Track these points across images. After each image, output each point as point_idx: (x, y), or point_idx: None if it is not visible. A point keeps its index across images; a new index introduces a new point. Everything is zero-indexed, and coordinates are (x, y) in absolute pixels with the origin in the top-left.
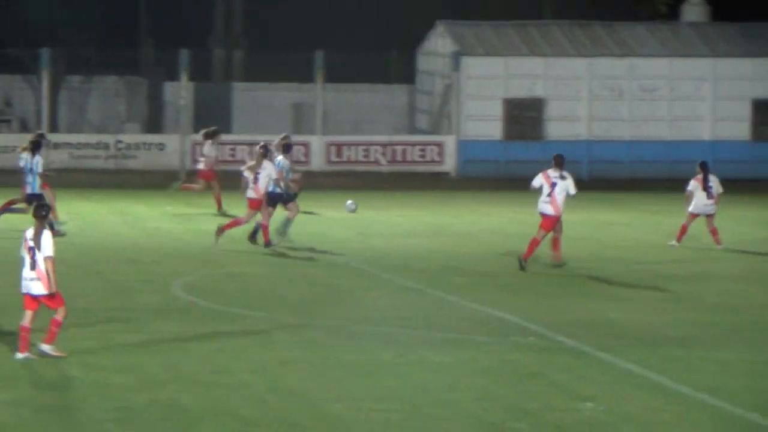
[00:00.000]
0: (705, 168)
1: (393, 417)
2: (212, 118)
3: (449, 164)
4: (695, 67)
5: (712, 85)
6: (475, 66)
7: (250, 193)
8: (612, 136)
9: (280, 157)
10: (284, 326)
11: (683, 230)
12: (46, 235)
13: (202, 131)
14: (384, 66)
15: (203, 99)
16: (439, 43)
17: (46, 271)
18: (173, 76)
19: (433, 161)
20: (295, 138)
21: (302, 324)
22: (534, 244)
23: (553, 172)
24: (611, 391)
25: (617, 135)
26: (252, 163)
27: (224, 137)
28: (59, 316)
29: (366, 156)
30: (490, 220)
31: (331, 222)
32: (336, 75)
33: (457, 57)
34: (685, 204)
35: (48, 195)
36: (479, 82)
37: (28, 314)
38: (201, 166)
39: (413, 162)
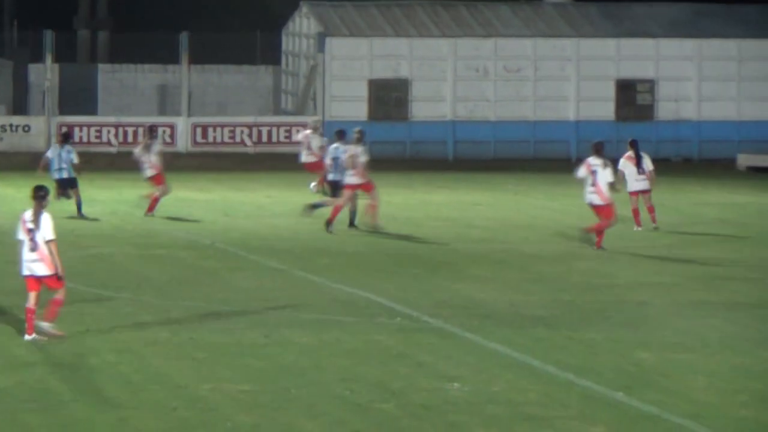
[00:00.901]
0: (635, 146)
1: (260, 398)
2: (77, 99)
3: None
4: (559, 47)
5: (575, 65)
6: (339, 47)
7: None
8: (477, 116)
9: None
10: (150, 307)
11: (635, 213)
12: (46, 217)
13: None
14: (249, 47)
15: (68, 81)
16: (303, 23)
17: (50, 253)
18: (38, 58)
19: (299, 142)
20: (161, 120)
21: (168, 305)
22: (599, 231)
23: (594, 160)
24: (477, 371)
25: (482, 115)
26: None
27: (89, 119)
28: (60, 295)
29: (232, 137)
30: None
31: (196, 204)
32: (201, 56)
33: (321, 38)
34: (618, 185)
35: None
36: (344, 62)
37: (32, 296)
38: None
39: (279, 143)
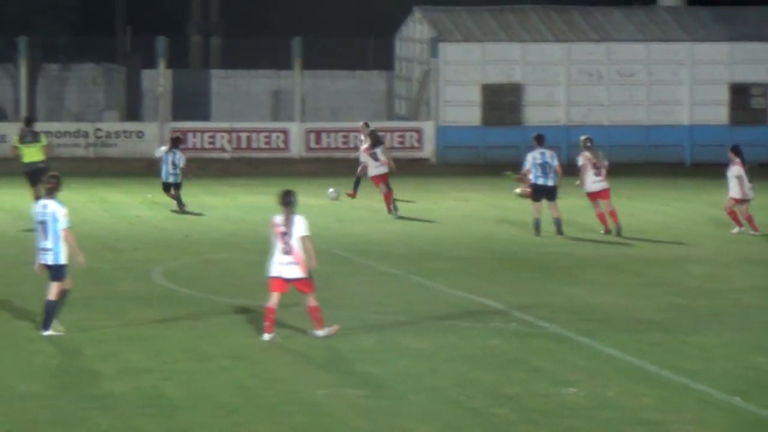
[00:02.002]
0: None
1: (375, 403)
2: (190, 105)
3: (428, 150)
4: (672, 51)
5: (689, 70)
6: (452, 52)
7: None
8: (590, 120)
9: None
10: (264, 313)
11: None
12: (299, 219)
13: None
14: (362, 52)
15: (181, 86)
16: (416, 28)
17: (304, 250)
18: (151, 64)
19: (412, 147)
20: (274, 125)
21: (281, 310)
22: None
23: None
24: (592, 376)
25: (595, 120)
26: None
27: (202, 125)
28: (312, 302)
29: (345, 143)
30: (470, 206)
31: (310, 209)
32: (314, 61)
33: (434, 43)
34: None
35: None
36: (457, 67)
37: (275, 296)
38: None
39: (392, 148)
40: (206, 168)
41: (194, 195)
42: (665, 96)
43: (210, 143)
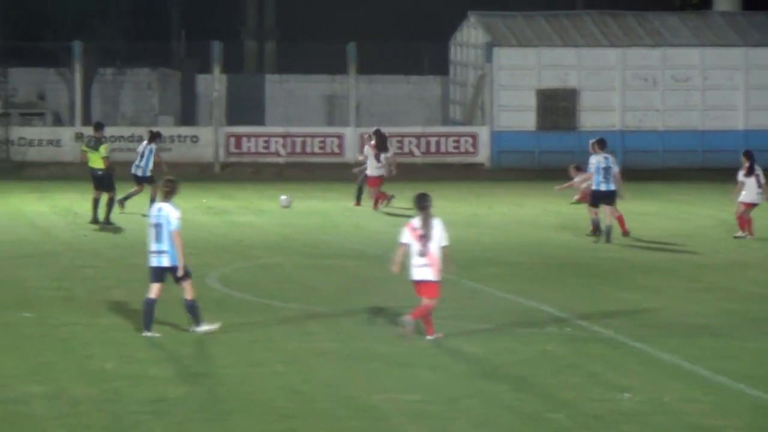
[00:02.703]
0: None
1: (429, 408)
2: (245, 110)
3: (483, 155)
4: (727, 56)
5: (744, 74)
6: (507, 57)
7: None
8: (644, 126)
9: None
10: (318, 317)
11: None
12: (437, 223)
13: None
14: (417, 57)
15: (236, 91)
16: (471, 34)
17: (442, 257)
18: (206, 68)
19: (467, 152)
20: (329, 130)
21: (336, 315)
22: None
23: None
24: (647, 382)
25: (650, 125)
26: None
27: (257, 129)
28: (431, 302)
29: (400, 147)
30: (524, 211)
31: (363, 213)
32: (369, 66)
33: (489, 48)
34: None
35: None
36: (512, 72)
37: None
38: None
39: (447, 153)
40: (260, 173)
41: (249, 199)
42: (720, 101)
43: (265, 148)
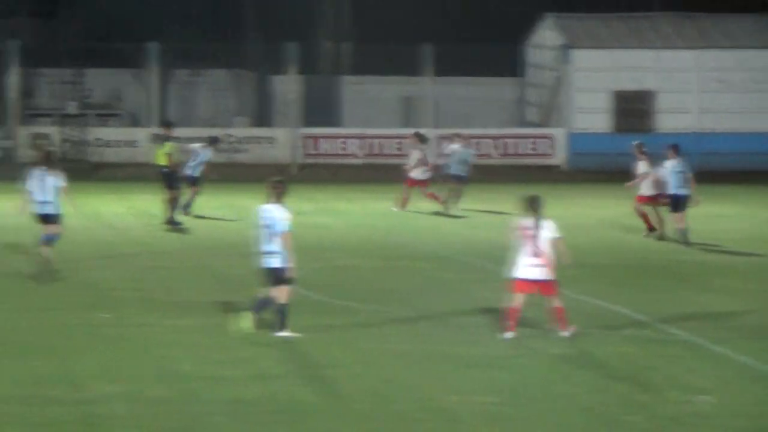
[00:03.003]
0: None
1: (506, 411)
2: (321, 111)
3: (559, 157)
4: None
5: None
6: (583, 58)
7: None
8: (721, 128)
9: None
10: (396, 319)
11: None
12: (548, 223)
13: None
14: (493, 59)
15: (312, 92)
16: (547, 35)
17: (555, 251)
18: (281, 70)
19: (543, 154)
20: (406, 131)
21: (414, 317)
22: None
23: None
24: (725, 384)
25: (726, 127)
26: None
27: (334, 131)
28: (557, 302)
29: (477, 149)
30: (600, 213)
31: (440, 216)
32: (445, 68)
33: (565, 50)
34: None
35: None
36: (588, 74)
37: (519, 297)
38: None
39: (524, 155)
40: (337, 174)
41: (325, 201)
42: None
43: (341, 149)
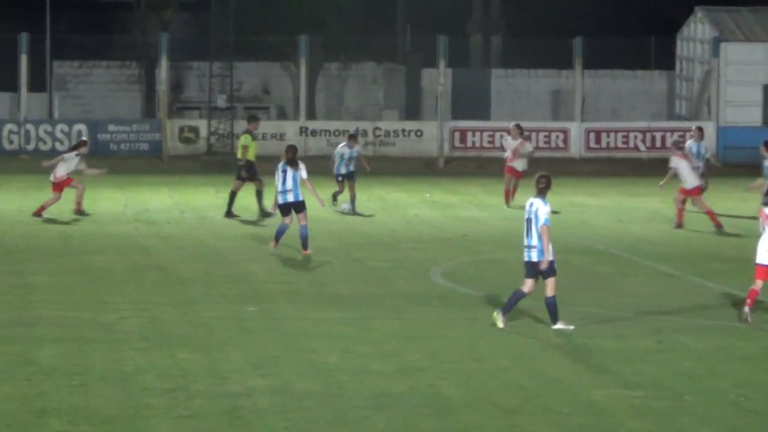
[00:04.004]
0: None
1: (653, 404)
2: (470, 104)
3: (709, 150)
4: None
5: None
6: (734, 52)
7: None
8: None
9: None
10: (543, 313)
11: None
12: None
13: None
14: (643, 52)
15: (461, 85)
16: (698, 28)
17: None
18: (431, 63)
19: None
20: (555, 125)
21: (564, 310)
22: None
23: None
24: None
25: None
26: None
27: (483, 124)
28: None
29: (625, 142)
30: (751, 206)
31: (590, 209)
32: (595, 61)
33: (716, 43)
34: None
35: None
36: (739, 68)
37: (760, 283)
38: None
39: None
40: (484, 167)
41: (473, 193)
42: None
43: (489, 142)
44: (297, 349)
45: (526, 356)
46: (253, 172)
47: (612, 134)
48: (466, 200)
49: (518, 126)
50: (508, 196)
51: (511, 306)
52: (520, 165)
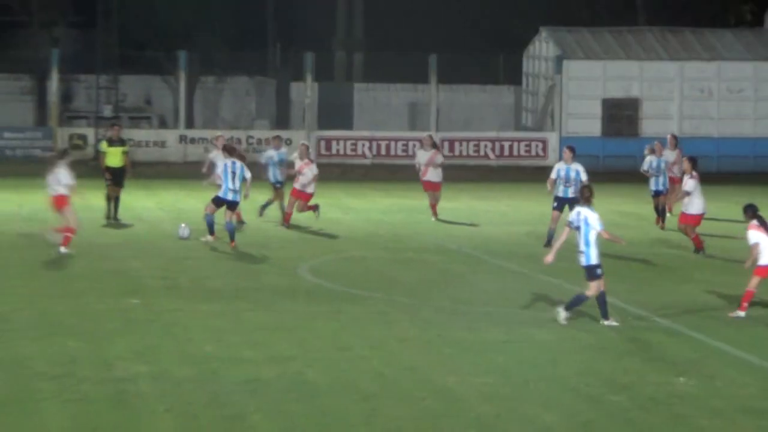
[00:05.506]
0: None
1: (501, 390)
2: (335, 115)
3: (552, 159)
4: None
5: None
6: (576, 69)
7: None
8: (701, 133)
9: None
10: (401, 306)
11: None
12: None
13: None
14: (492, 68)
15: (326, 98)
16: (542, 47)
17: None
18: (299, 77)
19: (537, 156)
20: (411, 134)
21: (417, 304)
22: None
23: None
24: (702, 367)
25: (705, 132)
26: None
27: (346, 133)
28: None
29: (476, 151)
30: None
31: (444, 212)
32: (449, 76)
33: (559, 60)
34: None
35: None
36: (580, 83)
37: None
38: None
39: (519, 156)
40: (347, 173)
41: (336, 197)
42: None
43: (352, 150)
44: (175, 339)
45: (384, 346)
46: (115, 178)
47: (464, 143)
48: (330, 203)
49: (431, 137)
50: (434, 209)
51: (604, 309)
52: (435, 176)
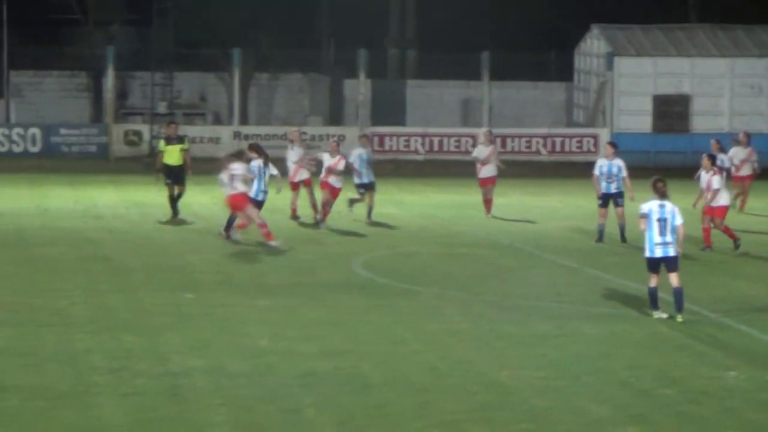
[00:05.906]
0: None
1: (553, 384)
2: (387, 112)
3: (603, 154)
4: None
5: None
6: (627, 65)
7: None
8: (752, 129)
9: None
10: (453, 301)
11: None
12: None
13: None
14: (544, 65)
15: (379, 95)
16: (594, 44)
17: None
18: (352, 74)
19: (588, 151)
20: (464, 130)
21: (469, 299)
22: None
23: None
24: (752, 361)
25: (755, 128)
26: None
27: (399, 129)
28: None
29: (528, 147)
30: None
31: (497, 207)
32: (501, 73)
33: (610, 57)
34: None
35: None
36: (631, 80)
37: None
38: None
39: (571, 152)
40: (400, 169)
41: (390, 193)
42: None
43: (405, 146)
44: (230, 333)
45: (437, 340)
46: (174, 176)
47: (516, 139)
48: (383, 198)
49: (490, 131)
50: (489, 205)
51: (655, 303)
52: (490, 171)
